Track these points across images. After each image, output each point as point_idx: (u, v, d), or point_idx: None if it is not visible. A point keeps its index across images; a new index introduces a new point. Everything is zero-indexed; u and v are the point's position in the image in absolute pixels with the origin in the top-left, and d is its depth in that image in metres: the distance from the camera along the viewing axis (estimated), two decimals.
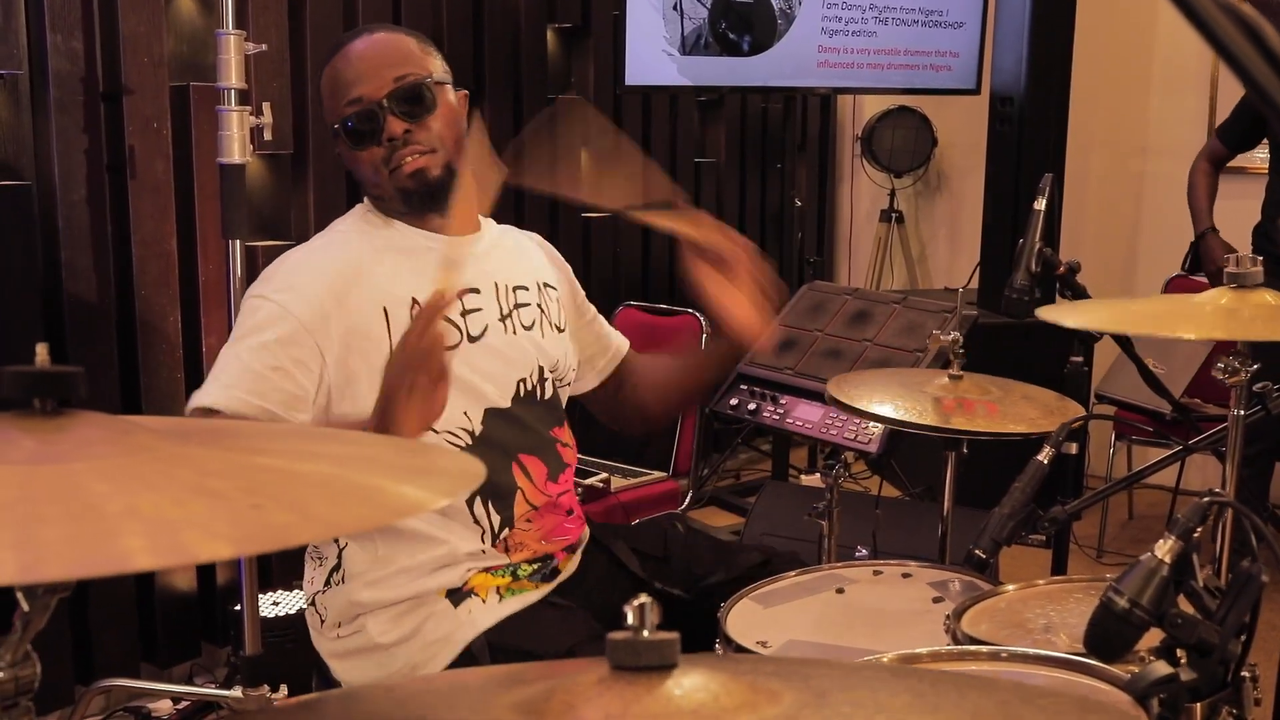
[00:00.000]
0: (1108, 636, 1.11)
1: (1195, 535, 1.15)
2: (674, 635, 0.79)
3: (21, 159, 2.67)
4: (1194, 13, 0.58)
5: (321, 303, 1.72)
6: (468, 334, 1.83)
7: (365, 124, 1.77)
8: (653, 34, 3.63)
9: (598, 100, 4.08)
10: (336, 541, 1.83)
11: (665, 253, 4.47)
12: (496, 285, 1.90)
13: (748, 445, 4.74)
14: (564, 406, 1.98)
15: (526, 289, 1.94)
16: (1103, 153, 4.70)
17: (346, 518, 0.79)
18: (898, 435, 2.42)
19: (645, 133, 4.32)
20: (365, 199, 1.90)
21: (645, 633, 0.79)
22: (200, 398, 1.69)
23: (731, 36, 3.76)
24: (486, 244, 1.93)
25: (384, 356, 1.71)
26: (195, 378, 2.96)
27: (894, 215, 5.15)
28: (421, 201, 1.82)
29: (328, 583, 1.84)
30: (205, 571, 3.04)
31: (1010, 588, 1.53)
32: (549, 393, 1.93)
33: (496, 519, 1.81)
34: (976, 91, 4.38)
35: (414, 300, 1.77)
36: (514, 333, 1.88)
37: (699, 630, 1.81)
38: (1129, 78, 4.65)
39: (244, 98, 2.39)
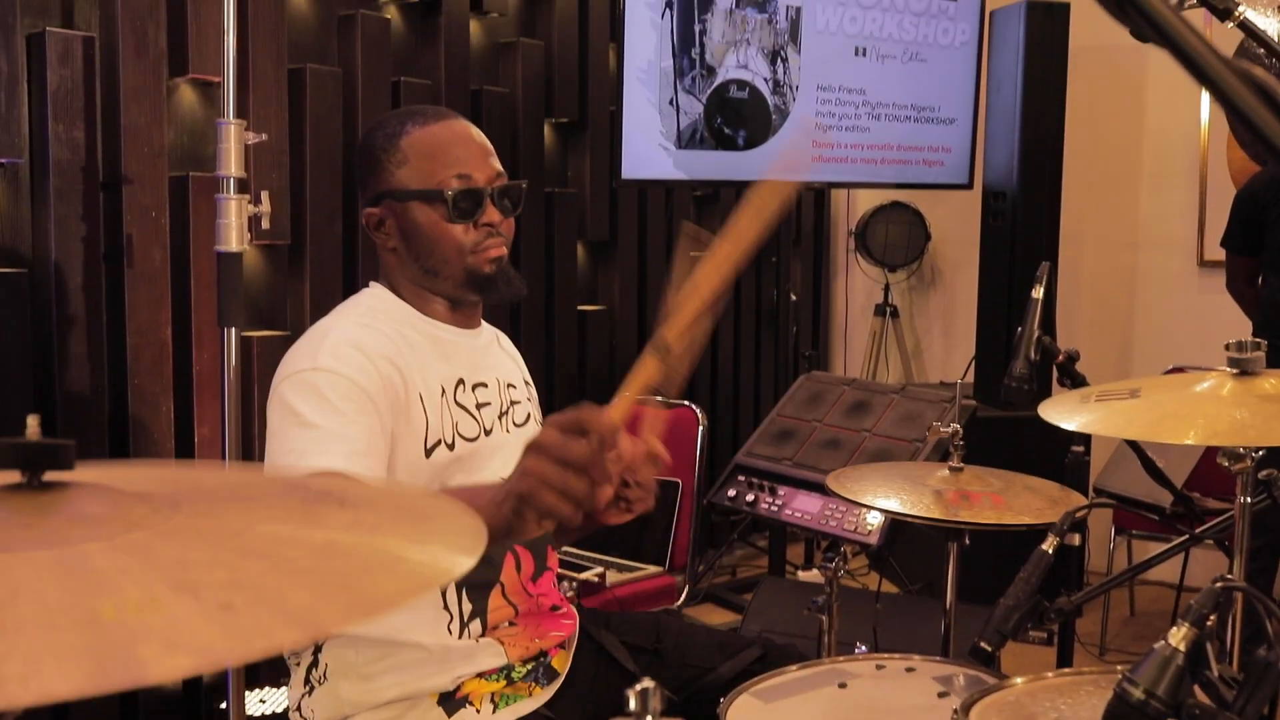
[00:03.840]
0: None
1: (1209, 623, 1.12)
2: None
3: (19, 246, 2.68)
4: (1206, 76, 0.58)
5: (375, 377, 1.68)
6: (484, 429, 1.82)
7: (470, 202, 1.77)
8: (649, 128, 3.67)
9: (594, 194, 4.12)
10: None
11: None
12: (498, 381, 1.90)
13: (744, 541, 4.69)
14: None
15: (515, 386, 1.95)
16: (1095, 247, 4.73)
17: (328, 614, 0.73)
18: (898, 527, 2.39)
19: (641, 226, 4.36)
20: (376, 284, 1.86)
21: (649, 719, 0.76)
22: (304, 467, 1.57)
23: (727, 131, 3.81)
24: (485, 339, 1.93)
25: (420, 443, 1.71)
26: None
27: (888, 309, 5.17)
28: (484, 287, 1.81)
29: (307, 682, 1.78)
30: None
31: (1018, 681, 1.49)
32: None
33: (468, 608, 1.77)
34: (969, 186, 4.43)
35: (442, 389, 1.76)
36: (508, 430, 1.88)
37: None
38: (1119, 174, 4.71)
39: (243, 186, 2.40)
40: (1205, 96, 4.49)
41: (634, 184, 3.83)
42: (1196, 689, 1.11)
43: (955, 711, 1.41)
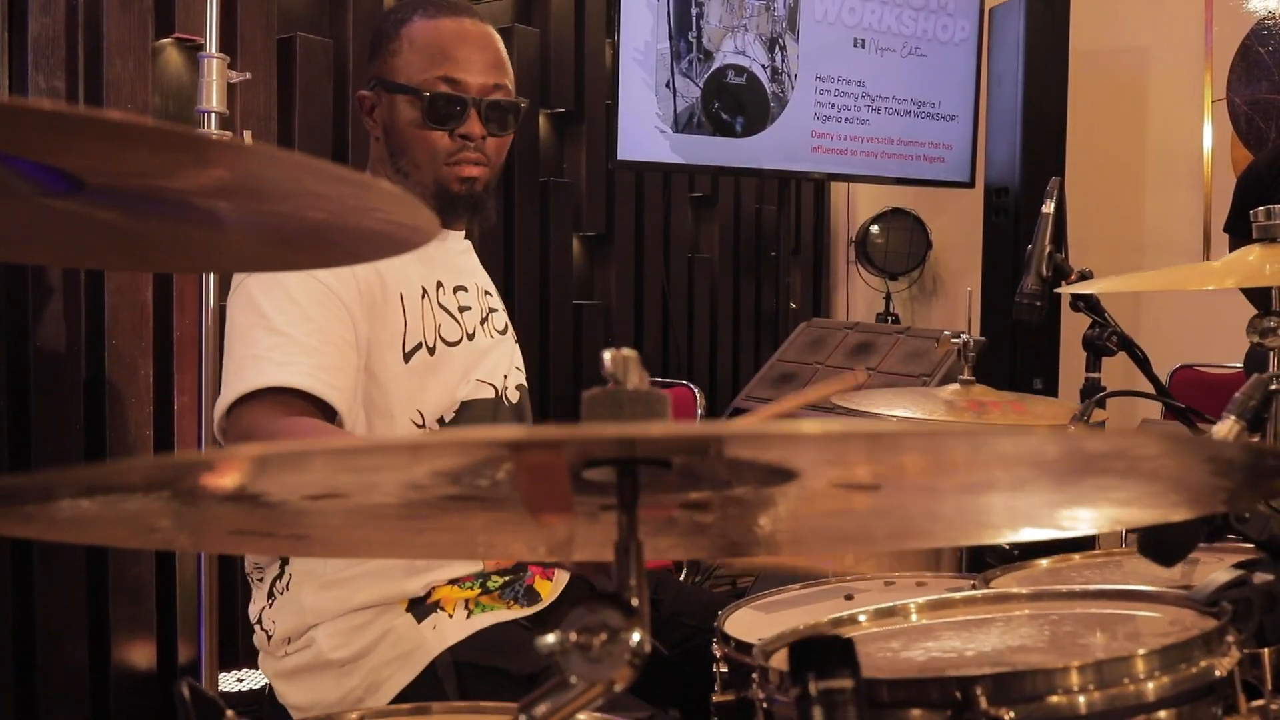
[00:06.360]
0: (1164, 536, 0.97)
1: (1255, 434, 1.02)
2: (663, 393, 0.66)
3: None
4: None
5: (351, 282, 1.60)
6: (466, 333, 1.76)
7: (452, 108, 1.67)
8: (645, 111, 3.61)
9: (590, 186, 4.05)
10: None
11: (658, 334, 4.38)
12: (477, 287, 1.85)
13: None
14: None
15: (490, 294, 1.91)
16: (1099, 251, 4.65)
17: None
18: None
19: (638, 219, 4.27)
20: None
21: (627, 385, 0.66)
22: (268, 378, 1.47)
23: (724, 117, 3.75)
24: (464, 245, 1.88)
25: (398, 347, 1.64)
26: (165, 435, 2.82)
27: (890, 318, 5.07)
28: (453, 206, 1.72)
29: (270, 595, 1.70)
30: (166, 649, 2.84)
31: (1044, 561, 1.38)
32: (516, 399, 1.86)
33: None
34: (970, 184, 4.36)
35: (423, 290, 1.69)
36: (491, 336, 1.83)
37: (680, 690, 1.64)
38: (1122, 176, 4.65)
39: (226, 123, 2.32)
40: (1207, 98, 4.45)
41: (630, 166, 3.76)
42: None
43: (974, 584, 1.30)
